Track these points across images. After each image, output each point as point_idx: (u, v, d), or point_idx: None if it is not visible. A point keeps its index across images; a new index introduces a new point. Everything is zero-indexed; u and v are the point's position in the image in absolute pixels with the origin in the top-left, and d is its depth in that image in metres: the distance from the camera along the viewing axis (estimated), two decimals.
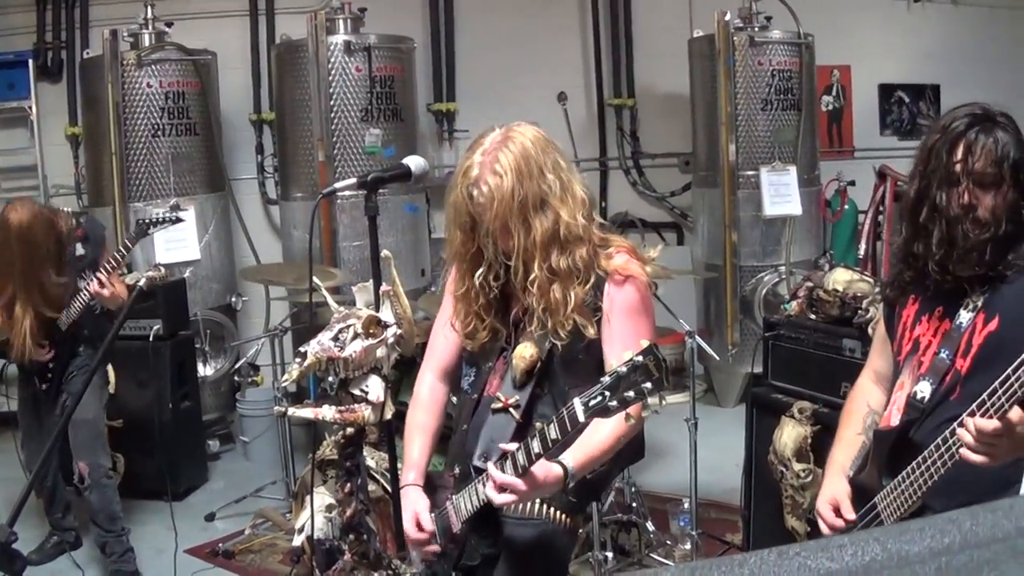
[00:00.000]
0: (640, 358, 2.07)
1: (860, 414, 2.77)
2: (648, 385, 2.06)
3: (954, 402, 2.35)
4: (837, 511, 2.60)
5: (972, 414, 2.16)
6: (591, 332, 2.61)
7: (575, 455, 2.45)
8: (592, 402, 2.12)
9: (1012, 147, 2.36)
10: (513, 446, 2.37)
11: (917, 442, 2.40)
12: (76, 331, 4.89)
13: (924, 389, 2.46)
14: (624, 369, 2.09)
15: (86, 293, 4.69)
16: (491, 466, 2.42)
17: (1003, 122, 2.41)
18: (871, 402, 2.76)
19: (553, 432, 2.25)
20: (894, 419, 2.52)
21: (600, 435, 2.46)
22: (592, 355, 2.63)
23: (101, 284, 4.56)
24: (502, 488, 2.37)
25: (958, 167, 2.36)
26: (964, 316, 2.42)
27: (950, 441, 2.24)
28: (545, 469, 2.39)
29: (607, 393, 2.10)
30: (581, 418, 2.16)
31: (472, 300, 2.75)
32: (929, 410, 2.43)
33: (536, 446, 2.30)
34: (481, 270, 2.67)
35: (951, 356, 2.41)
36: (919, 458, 2.35)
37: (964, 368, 2.39)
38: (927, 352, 2.49)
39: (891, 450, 2.48)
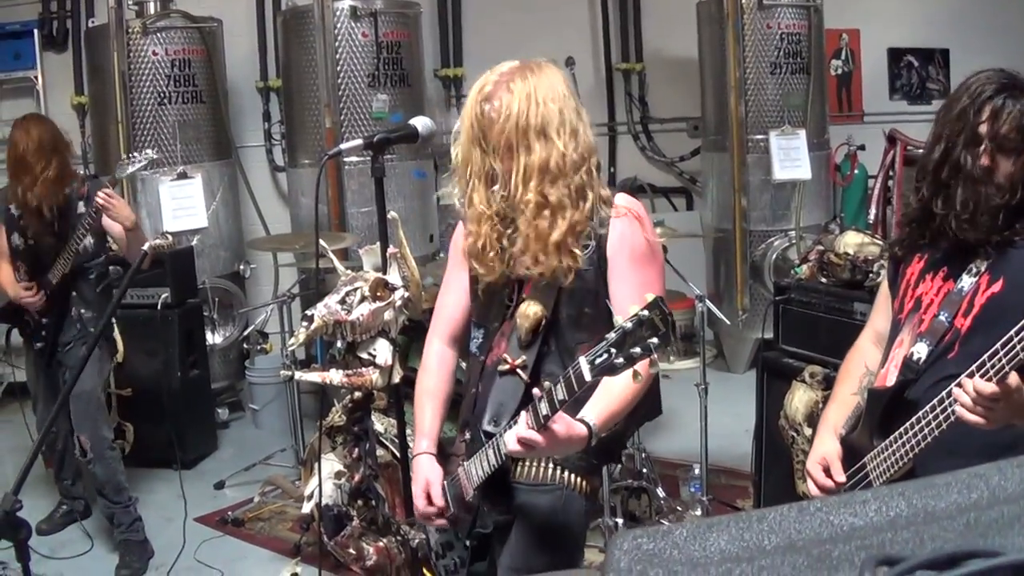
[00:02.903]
0: (646, 312, 2.01)
1: (857, 374, 2.75)
2: (655, 340, 2.00)
3: (951, 360, 2.33)
4: (827, 472, 2.59)
5: (971, 375, 2.14)
6: (569, 269, 2.57)
7: (598, 412, 2.39)
8: (598, 360, 2.06)
9: None
10: (536, 393, 2.29)
11: (912, 400, 2.39)
12: (66, 288, 4.88)
13: (921, 351, 2.44)
14: (629, 325, 2.02)
15: (77, 243, 4.73)
16: (523, 417, 2.34)
17: None
18: (869, 363, 2.74)
19: (560, 393, 2.19)
20: (891, 378, 2.50)
21: (616, 390, 2.39)
22: (600, 309, 2.59)
23: (108, 195, 4.62)
24: (521, 442, 2.30)
25: (983, 128, 2.35)
26: (966, 280, 2.40)
27: (946, 402, 2.22)
28: (568, 427, 2.31)
29: (613, 350, 2.04)
30: (588, 377, 2.10)
31: (490, 220, 2.68)
32: (924, 369, 2.42)
33: (544, 408, 2.24)
34: (496, 187, 2.63)
35: (950, 318, 2.40)
36: (913, 418, 2.33)
37: (964, 327, 2.37)
38: (928, 311, 2.47)
39: (885, 409, 2.46)
